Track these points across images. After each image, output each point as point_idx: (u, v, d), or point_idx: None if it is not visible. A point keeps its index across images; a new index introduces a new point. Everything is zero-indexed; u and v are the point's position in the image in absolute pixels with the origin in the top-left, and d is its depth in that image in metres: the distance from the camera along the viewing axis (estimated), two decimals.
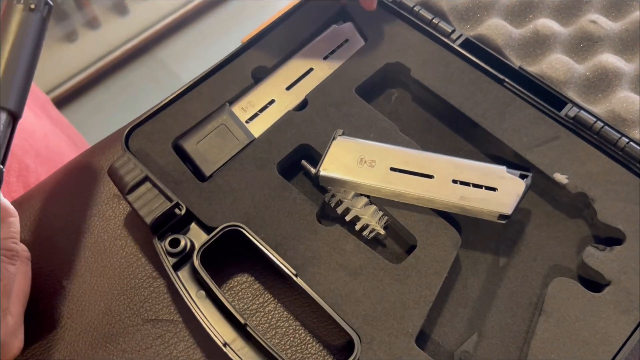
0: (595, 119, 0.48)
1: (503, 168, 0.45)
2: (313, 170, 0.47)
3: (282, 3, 0.58)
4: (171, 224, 0.45)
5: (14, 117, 0.41)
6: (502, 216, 0.44)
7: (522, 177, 0.45)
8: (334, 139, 0.47)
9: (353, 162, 0.46)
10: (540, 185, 0.49)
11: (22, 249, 0.44)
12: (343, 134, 0.48)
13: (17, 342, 0.40)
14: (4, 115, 0.40)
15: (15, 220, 0.44)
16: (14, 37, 0.41)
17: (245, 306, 0.46)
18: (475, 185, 0.45)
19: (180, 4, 1.86)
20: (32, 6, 0.42)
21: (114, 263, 0.48)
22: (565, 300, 0.42)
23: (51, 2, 0.44)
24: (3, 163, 0.39)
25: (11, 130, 0.41)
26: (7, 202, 0.44)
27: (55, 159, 0.71)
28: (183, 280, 0.43)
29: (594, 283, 0.44)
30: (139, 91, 1.73)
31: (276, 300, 0.46)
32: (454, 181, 0.45)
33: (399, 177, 0.45)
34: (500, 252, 0.47)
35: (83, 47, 1.75)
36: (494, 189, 0.45)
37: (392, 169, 0.46)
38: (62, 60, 1.72)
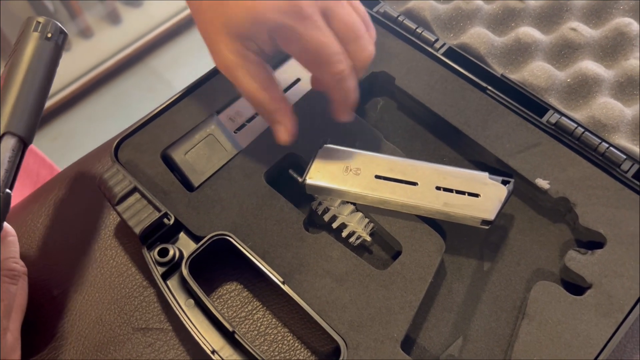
0: (576, 125, 0.49)
1: (485, 174, 0.46)
2: (300, 179, 0.48)
3: None
4: (160, 233, 0.46)
5: (24, 143, 0.41)
6: (485, 222, 0.45)
7: (504, 182, 0.46)
8: (319, 147, 0.48)
9: (339, 170, 0.47)
10: (523, 191, 0.50)
11: (21, 264, 0.45)
12: (329, 142, 0.49)
13: (15, 357, 0.41)
14: (13, 141, 0.40)
15: (14, 239, 0.45)
16: (29, 65, 0.42)
17: (235, 314, 0.47)
18: (458, 192, 0.46)
19: (172, 13, 1.87)
20: (49, 35, 0.43)
21: (104, 273, 0.48)
22: (548, 303, 0.43)
23: (66, 31, 0.45)
24: (11, 187, 0.40)
25: (20, 156, 0.41)
26: (5, 222, 0.44)
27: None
28: (172, 289, 0.44)
29: (576, 286, 0.45)
30: (132, 100, 1.74)
31: (265, 308, 0.47)
32: (438, 188, 0.46)
33: (383, 185, 0.46)
34: (485, 257, 0.48)
35: (76, 57, 1.76)
36: (476, 195, 0.46)
37: (377, 177, 0.46)
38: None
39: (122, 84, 1.81)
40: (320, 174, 0.47)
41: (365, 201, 0.47)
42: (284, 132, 0.45)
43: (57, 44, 0.44)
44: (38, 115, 0.43)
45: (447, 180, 0.46)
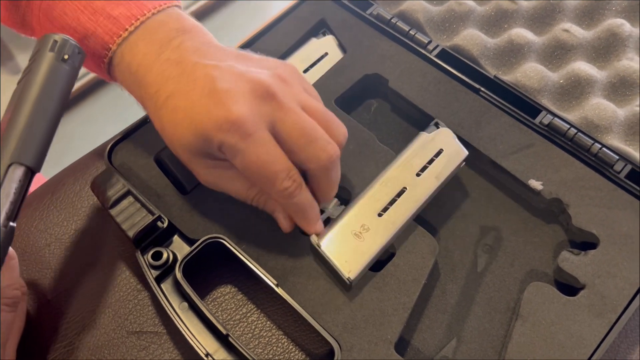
0: (568, 126, 0.50)
1: (423, 133, 0.49)
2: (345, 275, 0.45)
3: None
4: (154, 237, 0.46)
5: (32, 172, 0.38)
6: (464, 160, 0.48)
7: (437, 125, 0.49)
8: (318, 246, 0.44)
9: (354, 243, 0.44)
10: (517, 192, 0.51)
11: (21, 285, 0.44)
12: (317, 240, 0.45)
13: None
14: (20, 171, 0.37)
15: (15, 262, 0.44)
16: (41, 88, 0.39)
17: (229, 317, 0.47)
18: (430, 162, 0.47)
19: None
20: (66, 57, 0.40)
21: (98, 277, 0.48)
22: (541, 304, 0.43)
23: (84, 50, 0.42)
24: (15, 219, 0.37)
25: (27, 185, 0.38)
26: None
27: None
28: (166, 292, 0.44)
29: (569, 287, 0.45)
30: (130, 103, 1.73)
31: (259, 311, 0.47)
32: (418, 174, 0.47)
33: (390, 214, 0.45)
34: (478, 258, 0.48)
35: None
36: (440, 151, 0.48)
37: (380, 215, 0.45)
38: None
39: (117, 88, 1.80)
40: (349, 263, 0.43)
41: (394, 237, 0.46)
42: (283, 221, 0.44)
43: (73, 66, 0.40)
44: (48, 143, 0.39)
45: (416, 163, 0.47)
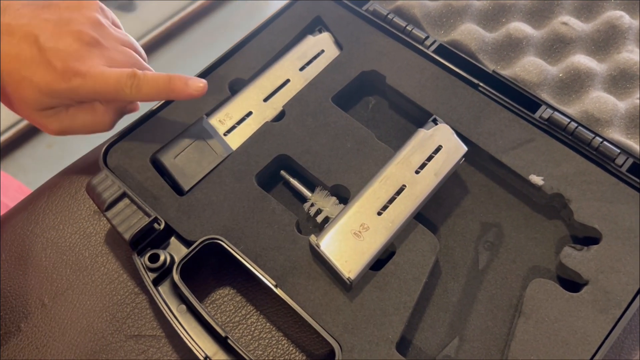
0: (569, 120, 0.49)
1: (422, 130, 0.48)
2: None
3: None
4: (150, 239, 0.45)
5: None
6: (464, 156, 0.48)
7: (435, 122, 0.49)
8: (318, 246, 0.43)
9: (354, 242, 0.44)
10: (517, 188, 0.50)
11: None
12: (317, 240, 0.44)
13: None
14: None
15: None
16: None
17: (228, 319, 0.46)
18: (429, 159, 0.47)
19: (166, 18, 1.86)
20: None
21: (95, 280, 0.48)
22: (544, 301, 0.43)
23: None
24: None
25: None
26: None
27: None
28: (163, 295, 0.43)
29: (572, 283, 0.45)
30: None
31: (259, 312, 0.46)
32: (417, 172, 0.46)
33: (389, 213, 0.45)
34: (480, 255, 0.48)
35: None
36: (439, 147, 0.47)
37: (379, 213, 0.45)
38: None
39: None
40: (349, 262, 0.43)
41: (395, 235, 0.45)
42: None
43: None
44: None
45: (415, 160, 0.47)
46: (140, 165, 0.49)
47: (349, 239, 0.43)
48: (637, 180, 0.47)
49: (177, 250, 0.46)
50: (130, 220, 0.45)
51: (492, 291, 0.46)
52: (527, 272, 0.47)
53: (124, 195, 0.46)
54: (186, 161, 0.49)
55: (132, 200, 0.46)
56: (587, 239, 0.47)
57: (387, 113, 0.56)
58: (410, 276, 0.44)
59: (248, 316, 0.46)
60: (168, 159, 0.49)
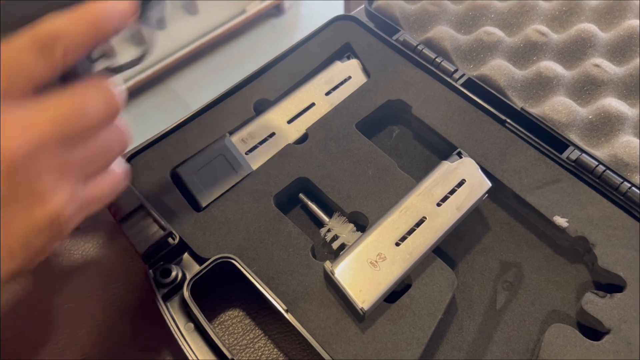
0: (597, 163, 0.48)
1: (446, 162, 0.48)
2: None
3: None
4: (164, 253, 0.44)
5: None
6: (487, 192, 0.47)
7: (460, 155, 0.48)
8: (332, 273, 0.43)
9: (369, 272, 0.43)
10: (540, 228, 0.49)
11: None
12: (332, 267, 0.43)
13: None
14: None
15: None
16: None
17: (235, 341, 0.45)
18: (451, 192, 0.46)
19: (195, 37, 1.89)
20: None
21: (108, 291, 0.47)
22: (563, 347, 0.41)
23: None
24: None
25: None
26: None
27: None
28: (172, 311, 0.43)
29: (593, 331, 0.43)
30: (150, 120, 1.75)
31: (267, 337, 0.45)
32: (438, 204, 0.45)
33: (408, 244, 0.44)
34: (498, 294, 0.46)
35: None
36: (463, 182, 0.46)
37: (397, 244, 0.44)
38: None
39: (141, 104, 1.82)
40: (363, 292, 0.42)
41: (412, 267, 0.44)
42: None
43: None
44: None
45: (437, 192, 0.46)
46: (160, 178, 0.48)
47: (365, 268, 0.43)
48: None
49: (189, 267, 0.45)
50: (145, 232, 0.44)
51: (509, 333, 0.44)
52: (546, 316, 0.45)
53: (141, 207, 0.45)
54: (205, 177, 0.49)
55: (149, 213, 0.45)
56: (611, 286, 0.45)
57: (410, 143, 0.55)
58: (426, 311, 0.42)
59: (256, 340, 0.45)
60: (188, 174, 0.48)
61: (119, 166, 0.34)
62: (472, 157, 0.49)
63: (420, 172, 0.52)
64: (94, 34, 0.30)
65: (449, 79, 0.54)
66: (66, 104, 0.29)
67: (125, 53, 0.39)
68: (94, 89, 0.31)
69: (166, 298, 0.43)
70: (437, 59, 0.55)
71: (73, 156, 0.30)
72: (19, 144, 0.27)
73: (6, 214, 0.28)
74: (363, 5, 0.62)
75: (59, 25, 0.29)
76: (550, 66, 0.54)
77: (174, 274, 0.43)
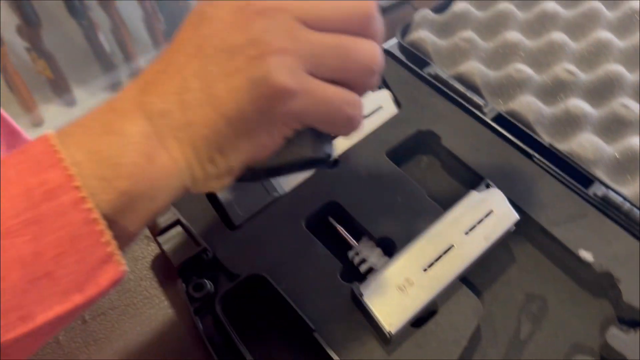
0: (623, 200, 0.49)
1: (474, 192, 0.49)
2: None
3: None
4: (198, 268, 0.46)
5: None
6: (515, 224, 0.48)
7: (487, 186, 0.49)
8: (361, 296, 0.43)
9: (397, 296, 0.44)
10: (565, 262, 0.49)
11: None
12: (360, 289, 0.44)
13: None
14: None
15: None
16: None
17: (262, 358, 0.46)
18: (479, 222, 0.47)
19: None
20: None
21: (137, 303, 0.49)
22: None
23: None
24: None
25: None
26: None
27: None
28: (204, 325, 0.44)
29: None
30: None
31: (293, 357, 0.46)
32: (466, 233, 0.46)
33: (435, 271, 0.45)
34: (522, 325, 0.47)
35: None
36: (490, 212, 0.47)
37: (425, 270, 0.45)
38: None
39: None
40: (390, 315, 0.42)
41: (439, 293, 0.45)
42: None
43: None
44: None
45: (465, 221, 0.47)
46: (195, 195, 0.50)
47: (393, 292, 0.43)
48: None
49: (220, 283, 0.46)
50: (180, 247, 0.46)
51: None
52: (569, 348, 0.46)
53: (177, 222, 0.47)
54: (240, 197, 0.50)
55: (185, 228, 0.47)
56: (635, 321, 0.45)
57: (439, 173, 0.56)
58: (451, 338, 0.43)
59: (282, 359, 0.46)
60: (223, 193, 0.50)
61: (346, 91, 0.32)
62: (499, 189, 0.50)
63: (448, 201, 0.53)
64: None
65: (478, 113, 0.56)
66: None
67: None
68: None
69: (198, 312, 0.44)
70: (467, 93, 0.56)
71: (305, 35, 0.30)
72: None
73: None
74: (395, 39, 0.64)
75: None
76: (578, 104, 0.56)
77: (206, 288, 0.45)
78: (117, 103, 0.30)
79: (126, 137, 0.28)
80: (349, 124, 0.33)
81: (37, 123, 1.78)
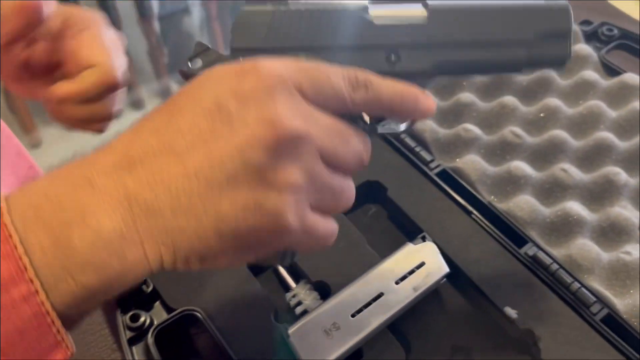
0: (552, 261, 0.51)
1: (409, 244, 0.51)
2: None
3: None
4: (137, 299, 0.48)
5: None
6: (445, 276, 0.50)
7: (424, 239, 0.52)
8: (288, 337, 0.45)
9: (322, 339, 0.45)
10: (493, 317, 0.51)
11: None
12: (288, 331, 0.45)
13: None
14: None
15: None
16: None
17: None
18: (410, 272, 0.49)
19: None
20: None
21: (78, 330, 0.50)
22: None
23: None
24: None
25: None
26: None
27: None
28: (136, 355, 0.46)
29: None
30: None
31: None
32: (397, 282, 0.48)
33: (362, 317, 0.46)
34: None
35: (125, 123, 1.87)
36: (422, 264, 0.49)
37: (353, 315, 0.47)
38: (105, 134, 1.83)
39: None
40: (313, 354, 0.45)
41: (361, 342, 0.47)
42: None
43: None
44: None
45: (397, 271, 0.49)
46: None
47: (319, 335, 0.45)
48: (610, 332, 0.48)
49: (158, 315, 0.48)
50: None
51: None
52: None
53: None
54: None
55: None
56: None
57: (384, 223, 0.59)
58: None
59: None
60: None
61: (332, 223, 0.34)
62: (436, 243, 0.52)
63: (388, 250, 0.56)
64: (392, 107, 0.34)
65: (425, 168, 0.58)
66: (340, 126, 0.31)
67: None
68: (362, 138, 0.33)
69: (132, 342, 0.46)
70: (416, 148, 0.59)
71: (320, 174, 0.30)
72: (297, 125, 0.28)
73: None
74: None
75: (373, 79, 0.32)
76: (520, 166, 0.59)
77: (142, 319, 0.46)
78: (96, 177, 0.27)
79: (99, 234, 0.26)
80: (323, 247, 0.35)
81: (36, 144, 1.82)
